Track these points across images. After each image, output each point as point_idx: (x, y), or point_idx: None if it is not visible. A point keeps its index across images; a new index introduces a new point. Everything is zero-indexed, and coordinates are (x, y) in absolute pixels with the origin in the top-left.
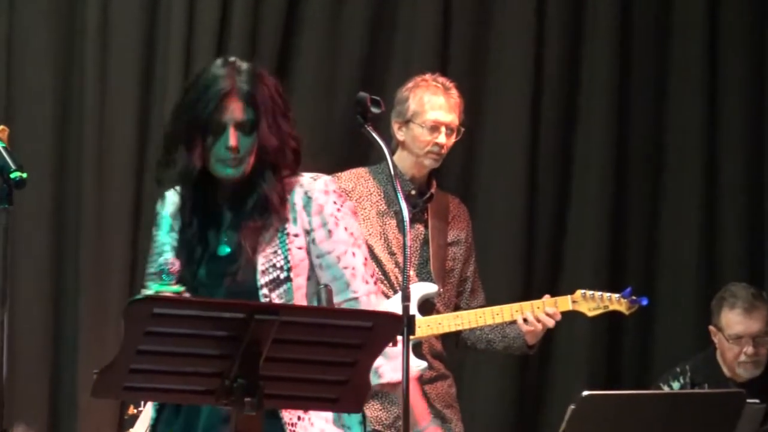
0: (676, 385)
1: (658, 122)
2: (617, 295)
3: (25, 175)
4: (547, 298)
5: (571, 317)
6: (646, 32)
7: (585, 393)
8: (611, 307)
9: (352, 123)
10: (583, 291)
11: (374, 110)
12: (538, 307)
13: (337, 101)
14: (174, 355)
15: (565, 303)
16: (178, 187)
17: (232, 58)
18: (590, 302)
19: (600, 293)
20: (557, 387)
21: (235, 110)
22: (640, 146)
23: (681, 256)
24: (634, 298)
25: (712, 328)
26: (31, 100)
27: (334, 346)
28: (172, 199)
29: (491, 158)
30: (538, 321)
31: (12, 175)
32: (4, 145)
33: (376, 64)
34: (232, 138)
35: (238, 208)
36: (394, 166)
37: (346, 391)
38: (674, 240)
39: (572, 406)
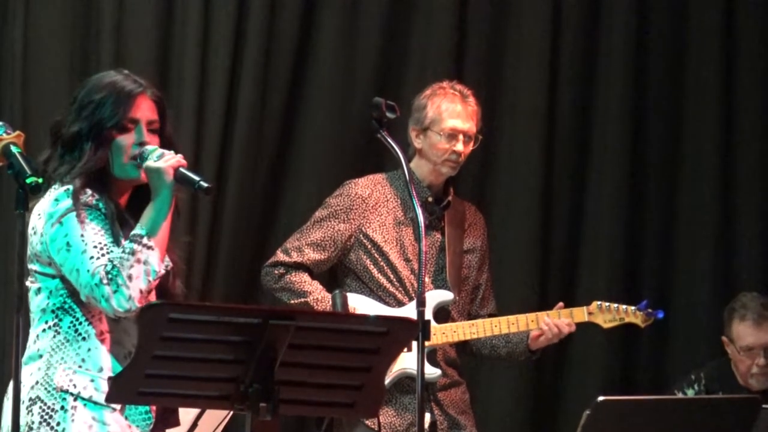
0: (690, 392)
1: (673, 132)
2: (633, 308)
3: (40, 180)
4: (560, 306)
5: (587, 325)
6: (662, 41)
7: (600, 399)
8: (627, 320)
9: (368, 129)
10: (599, 302)
11: (390, 115)
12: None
13: (352, 108)
14: (190, 360)
15: (581, 314)
16: (69, 185)
17: (125, 71)
18: (606, 314)
19: (616, 305)
20: (572, 393)
21: (147, 109)
22: (656, 156)
23: (696, 265)
24: (650, 311)
25: (724, 338)
26: (46, 106)
27: (349, 351)
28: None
29: (507, 167)
30: (555, 326)
31: (28, 181)
32: (20, 150)
33: (391, 70)
34: (146, 135)
35: (137, 212)
36: (411, 172)
37: (362, 396)
38: (690, 248)
39: (587, 412)
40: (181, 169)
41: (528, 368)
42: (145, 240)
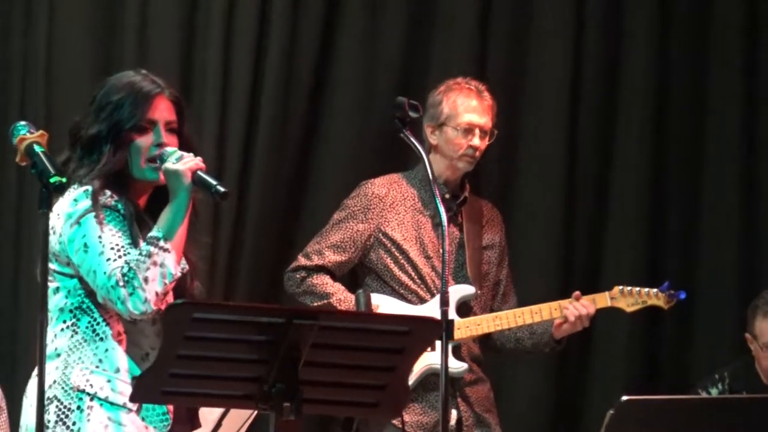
0: (714, 392)
1: (697, 124)
2: (655, 290)
3: (64, 179)
4: (577, 295)
5: (609, 321)
6: (686, 36)
7: (624, 398)
8: (649, 302)
9: (390, 130)
10: (621, 287)
11: (413, 115)
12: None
13: (375, 108)
14: (213, 359)
15: (603, 300)
16: (88, 186)
17: (143, 71)
18: (628, 298)
19: (638, 288)
20: (595, 392)
21: (165, 109)
22: (678, 155)
23: (721, 262)
24: (672, 292)
25: (747, 336)
26: (70, 106)
27: (372, 351)
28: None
29: (530, 161)
30: (576, 310)
31: (51, 180)
32: (43, 149)
33: (413, 70)
34: (165, 135)
35: (156, 212)
36: (432, 170)
37: (385, 396)
38: (714, 245)
39: (611, 412)
40: (199, 172)
41: (551, 367)
42: (161, 243)
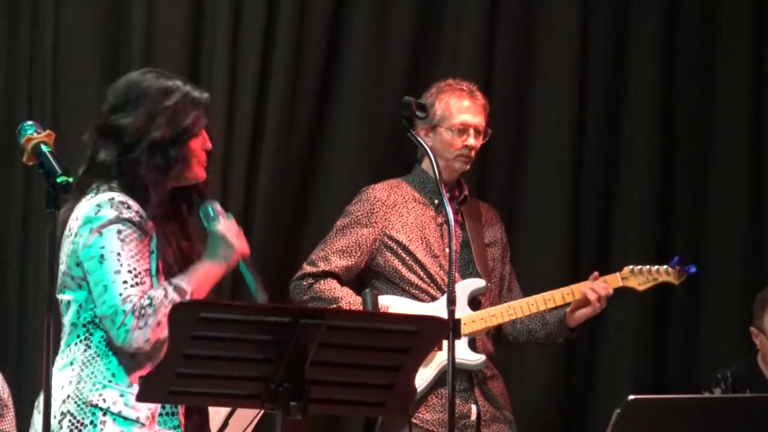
0: (717, 392)
1: (705, 108)
2: (665, 266)
3: (71, 179)
4: (595, 275)
5: (616, 321)
6: (693, 35)
7: (630, 398)
8: (660, 279)
9: (399, 133)
10: (630, 266)
11: (420, 114)
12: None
13: (382, 111)
14: (220, 359)
15: (614, 280)
16: (112, 194)
17: (182, 77)
18: (639, 276)
19: (648, 267)
20: (602, 391)
21: (205, 116)
22: (686, 160)
23: (727, 258)
24: (682, 267)
25: (753, 329)
26: (76, 105)
27: (379, 351)
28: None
29: (538, 156)
30: (592, 291)
31: (58, 180)
32: (50, 149)
33: (420, 72)
34: (209, 141)
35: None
36: (425, 172)
37: (392, 396)
38: (720, 242)
39: (617, 411)
40: (242, 262)
41: (558, 366)
42: (188, 297)
